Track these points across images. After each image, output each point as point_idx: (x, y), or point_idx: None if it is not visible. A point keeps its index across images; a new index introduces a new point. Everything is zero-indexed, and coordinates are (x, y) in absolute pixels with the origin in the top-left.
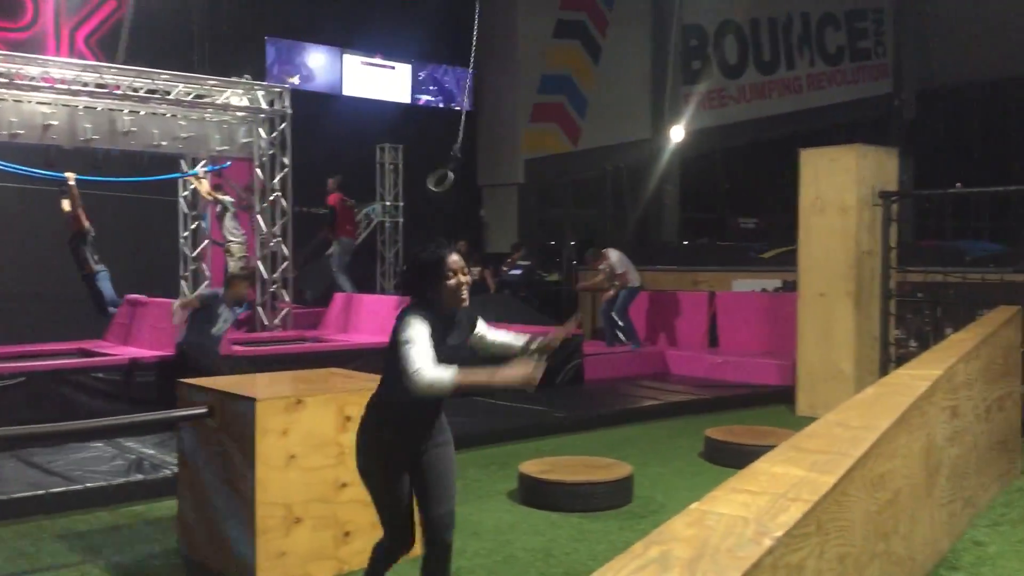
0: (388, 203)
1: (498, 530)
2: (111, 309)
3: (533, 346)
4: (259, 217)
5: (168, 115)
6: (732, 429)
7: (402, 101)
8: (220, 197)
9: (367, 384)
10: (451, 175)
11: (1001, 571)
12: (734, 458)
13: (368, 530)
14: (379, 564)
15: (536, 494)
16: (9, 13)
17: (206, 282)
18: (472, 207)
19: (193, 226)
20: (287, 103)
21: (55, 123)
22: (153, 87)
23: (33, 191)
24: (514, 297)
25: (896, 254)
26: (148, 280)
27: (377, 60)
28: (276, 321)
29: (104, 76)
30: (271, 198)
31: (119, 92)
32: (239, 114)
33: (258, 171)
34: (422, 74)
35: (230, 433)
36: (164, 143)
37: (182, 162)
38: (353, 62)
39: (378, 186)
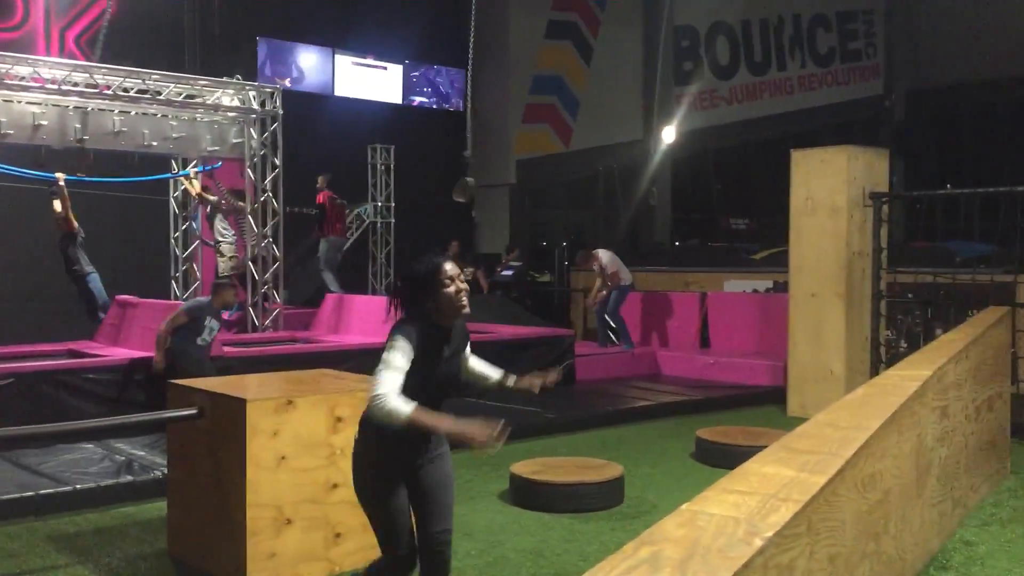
0: (380, 204)
1: (489, 531)
2: (101, 315)
3: (510, 383)
4: (250, 218)
5: (159, 115)
6: (723, 430)
7: (394, 102)
8: (208, 197)
9: (358, 385)
10: (471, 180)
11: (991, 571)
12: (725, 458)
13: (359, 531)
14: None
15: (527, 495)
16: None
17: (197, 283)
18: (464, 208)
19: (184, 226)
20: (278, 103)
21: (45, 123)
22: (144, 87)
23: (23, 191)
24: (506, 298)
25: (886, 255)
26: (138, 281)
27: (369, 60)
28: (267, 322)
29: (94, 76)
30: (262, 199)
31: (109, 92)
32: (230, 114)
33: (249, 172)
34: (415, 75)
35: (220, 434)
36: (155, 143)
37: (173, 162)
38: (345, 62)
39: (370, 187)
